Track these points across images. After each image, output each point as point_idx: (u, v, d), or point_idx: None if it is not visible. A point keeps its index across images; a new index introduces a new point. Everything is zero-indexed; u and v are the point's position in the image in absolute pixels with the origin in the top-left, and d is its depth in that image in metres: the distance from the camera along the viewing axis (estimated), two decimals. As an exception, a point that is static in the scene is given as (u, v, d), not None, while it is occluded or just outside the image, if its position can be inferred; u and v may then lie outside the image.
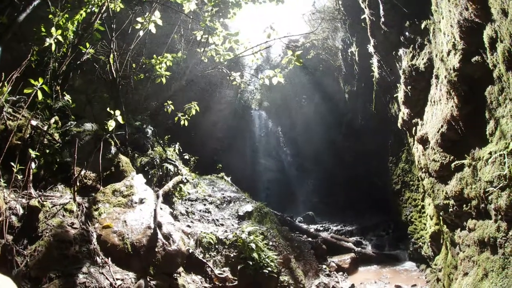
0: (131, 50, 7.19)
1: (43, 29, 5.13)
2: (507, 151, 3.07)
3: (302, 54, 7.25)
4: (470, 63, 3.81)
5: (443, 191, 4.81)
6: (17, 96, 4.67)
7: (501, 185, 3.19)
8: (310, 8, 13.78)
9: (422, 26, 5.32)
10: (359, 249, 9.43)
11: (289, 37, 14.09)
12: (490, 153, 3.44)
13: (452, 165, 4.39)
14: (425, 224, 7.45)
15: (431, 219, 6.58)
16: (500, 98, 3.37)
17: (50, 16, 5.39)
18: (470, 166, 3.93)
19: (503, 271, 3.18)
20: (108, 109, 5.27)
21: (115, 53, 6.62)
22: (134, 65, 7.65)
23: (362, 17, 7.99)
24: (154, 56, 6.90)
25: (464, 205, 4.21)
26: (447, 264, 5.28)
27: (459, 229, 4.61)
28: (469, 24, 3.61)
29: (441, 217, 5.43)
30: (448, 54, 4.24)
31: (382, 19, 6.58)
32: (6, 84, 3.96)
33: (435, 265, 6.37)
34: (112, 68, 6.65)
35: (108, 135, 5.69)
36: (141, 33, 6.15)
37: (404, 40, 6.15)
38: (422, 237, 7.59)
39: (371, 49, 7.99)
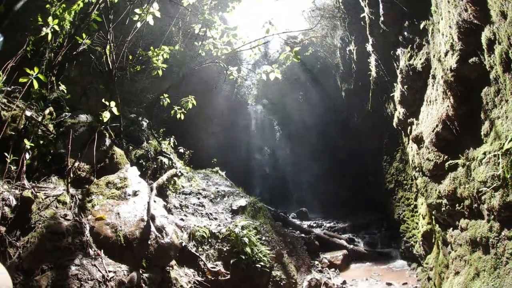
0: (128, 41, 7.11)
1: (39, 19, 5.06)
2: (501, 152, 3.10)
3: (301, 51, 7.21)
4: (467, 64, 3.83)
5: (436, 190, 4.85)
6: (12, 86, 4.61)
7: (494, 185, 3.23)
8: (310, 5, 13.68)
9: (421, 26, 5.33)
10: (352, 246, 9.50)
11: (287, 33, 14.04)
12: (485, 153, 3.47)
13: (446, 164, 4.42)
14: (417, 223, 7.52)
15: (424, 218, 6.65)
16: (496, 99, 3.40)
17: (47, 6, 5.31)
18: (464, 166, 3.96)
19: (495, 271, 3.23)
20: (103, 100, 5.23)
21: (112, 44, 6.55)
22: (130, 57, 7.57)
23: (362, 15, 7.98)
24: (151, 48, 6.83)
25: (457, 205, 4.26)
26: (439, 263, 5.34)
27: (451, 228, 4.66)
28: (468, 25, 3.62)
29: (433, 217, 5.48)
30: (446, 54, 4.26)
31: (382, 18, 6.58)
32: (1, 73, 3.90)
33: (427, 264, 6.45)
34: (109, 60, 6.58)
35: (103, 126, 5.65)
36: (138, 24, 6.08)
37: (402, 39, 6.16)
38: (414, 236, 7.68)
39: (369, 48, 7.99)
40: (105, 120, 5.07)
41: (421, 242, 6.88)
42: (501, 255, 3.15)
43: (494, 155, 3.25)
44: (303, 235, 9.59)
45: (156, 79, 8.48)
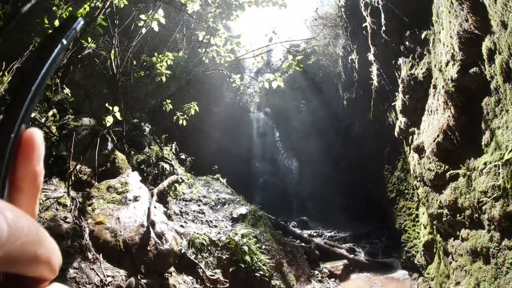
0: (133, 47, 7.20)
1: (46, 21, 5.13)
2: (502, 162, 3.10)
3: (303, 59, 7.28)
4: (468, 74, 3.85)
5: (437, 200, 4.84)
6: (17, 87, 4.64)
7: (495, 195, 3.22)
8: (313, 14, 13.87)
9: (422, 36, 5.38)
10: (352, 256, 9.41)
11: (290, 41, 14.17)
12: (485, 163, 3.47)
13: (447, 174, 4.42)
14: (418, 233, 7.47)
15: (425, 228, 6.60)
16: (496, 109, 3.41)
17: (54, 8, 5.39)
18: (464, 176, 3.96)
19: (495, 281, 3.20)
20: (107, 104, 5.27)
21: (117, 49, 6.62)
22: (135, 62, 7.65)
23: (364, 25, 8.06)
24: (155, 54, 6.90)
25: (458, 215, 4.24)
26: (440, 273, 5.29)
27: (452, 238, 4.63)
28: (469, 35, 3.65)
29: (434, 226, 5.45)
30: (447, 64, 4.29)
31: (383, 28, 6.64)
32: (6, 73, 3.95)
33: (428, 274, 6.39)
34: (113, 64, 6.64)
35: (106, 130, 5.68)
36: (143, 30, 6.15)
37: (404, 49, 6.21)
38: (415, 246, 7.61)
39: (371, 57, 8.05)
40: (108, 124, 5.10)
41: (422, 252, 6.82)
42: (501, 265, 3.13)
43: (495, 165, 3.25)
44: (303, 244, 9.51)
45: (159, 85, 8.55)
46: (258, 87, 19.93)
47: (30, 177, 0.34)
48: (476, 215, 3.71)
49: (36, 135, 0.34)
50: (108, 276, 3.67)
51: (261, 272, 5.29)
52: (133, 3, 7.41)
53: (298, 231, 11.80)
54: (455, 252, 4.41)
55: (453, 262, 4.49)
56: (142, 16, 5.78)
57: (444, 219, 4.64)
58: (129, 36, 7.43)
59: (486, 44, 3.39)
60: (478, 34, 3.50)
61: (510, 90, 3.09)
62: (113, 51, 6.51)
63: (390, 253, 9.44)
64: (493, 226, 3.35)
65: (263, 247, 6.28)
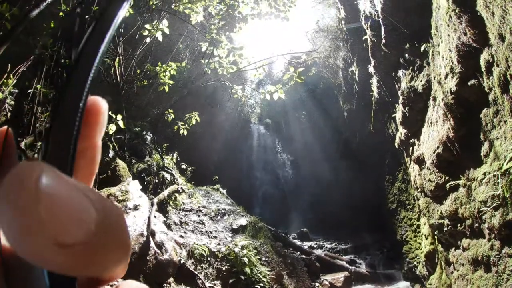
0: (137, 56, 7.30)
1: (52, 25, 5.21)
2: (501, 172, 3.13)
3: (304, 71, 7.39)
4: (467, 86, 3.91)
5: (438, 210, 4.84)
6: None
7: (494, 204, 3.24)
8: (314, 26, 14.09)
9: (422, 48, 5.47)
10: (353, 267, 9.31)
11: (291, 53, 14.35)
12: (484, 173, 3.50)
13: (447, 185, 4.43)
14: (420, 243, 7.42)
15: (426, 238, 6.57)
16: (495, 120, 3.46)
17: (61, 13, 5.48)
18: (464, 186, 3.98)
19: (496, 289, 3.20)
20: (110, 112, 5.31)
21: (121, 57, 6.71)
22: (138, 71, 7.74)
23: (364, 37, 8.18)
24: (159, 63, 7.00)
25: (459, 225, 4.24)
26: (442, 283, 5.26)
27: (453, 248, 4.62)
28: (467, 48, 3.72)
29: (436, 237, 5.43)
30: (446, 77, 4.35)
31: (383, 41, 6.75)
32: (11, 76, 4.00)
33: (430, 284, 6.33)
34: (117, 72, 6.73)
35: (107, 138, 5.72)
36: (148, 40, 6.26)
37: (403, 61, 6.30)
38: (417, 257, 7.54)
39: (371, 69, 8.15)
40: (110, 132, 5.14)
41: (424, 263, 6.77)
42: (502, 273, 3.14)
43: (494, 175, 3.28)
44: (303, 256, 9.42)
45: (161, 94, 8.63)
46: (259, 98, 20.07)
47: (90, 152, 0.28)
48: (477, 224, 3.72)
49: (101, 103, 0.28)
50: (107, 285, 3.64)
51: (261, 284, 5.25)
52: (139, 12, 7.55)
53: (298, 242, 11.70)
54: (457, 262, 4.40)
55: (454, 272, 4.46)
56: (147, 26, 5.89)
57: (445, 229, 4.64)
58: (133, 45, 7.53)
59: (484, 56, 3.46)
60: (476, 47, 3.57)
61: (508, 101, 3.14)
62: (117, 59, 6.60)
63: (391, 264, 9.33)
64: (493, 235, 3.36)
65: (263, 258, 6.24)
